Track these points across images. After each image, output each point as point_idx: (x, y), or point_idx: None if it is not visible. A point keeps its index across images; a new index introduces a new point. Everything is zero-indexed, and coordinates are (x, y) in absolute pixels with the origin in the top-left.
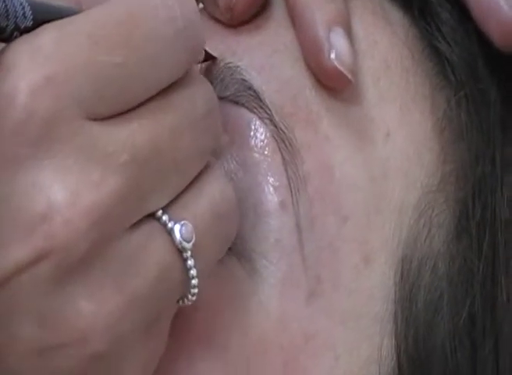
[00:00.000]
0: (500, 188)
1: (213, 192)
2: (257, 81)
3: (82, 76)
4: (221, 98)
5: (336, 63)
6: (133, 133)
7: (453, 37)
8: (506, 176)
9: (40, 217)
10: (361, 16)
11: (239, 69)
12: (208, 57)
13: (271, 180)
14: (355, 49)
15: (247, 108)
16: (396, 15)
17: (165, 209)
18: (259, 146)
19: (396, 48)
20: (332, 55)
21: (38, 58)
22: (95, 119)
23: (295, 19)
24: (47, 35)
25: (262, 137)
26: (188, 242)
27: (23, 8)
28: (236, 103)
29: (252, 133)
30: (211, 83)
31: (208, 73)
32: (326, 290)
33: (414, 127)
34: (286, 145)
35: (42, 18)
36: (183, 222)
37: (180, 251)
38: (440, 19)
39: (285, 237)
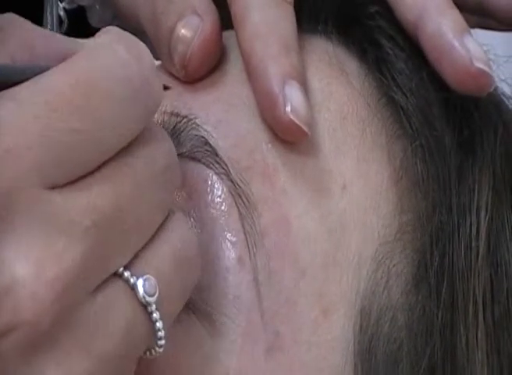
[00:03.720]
0: (458, 236)
1: (174, 242)
2: (213, 137)
3: (40, 145)
4: (178, 155)
5: (291, 116)
6: (93, 198)
7: (408, 86)
8: (463, 223)
9: (4, 291)
10: (317, 68)
11: (195, 125)
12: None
13: (228, 235)
14: (311, 101)
15: (204, 164)
16: (352, 65)
17: (127, 266)
18: (216, 202)
19: (352, 98)
20: (288, 109)
21: None
22: (55, 187)
23: (250, 73)
24: (3, 106)
25: (219, 192)
26: (152, 296)
27: None
28: (193, 159)
29: (209, 189)
30: None
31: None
32: (285, 344)
33: (370, 178)
34: (242, 200)
35: (2, 81)
36: (145, 276)
37: (145, 305)
38: (395, 69)
39: (243, 293)
